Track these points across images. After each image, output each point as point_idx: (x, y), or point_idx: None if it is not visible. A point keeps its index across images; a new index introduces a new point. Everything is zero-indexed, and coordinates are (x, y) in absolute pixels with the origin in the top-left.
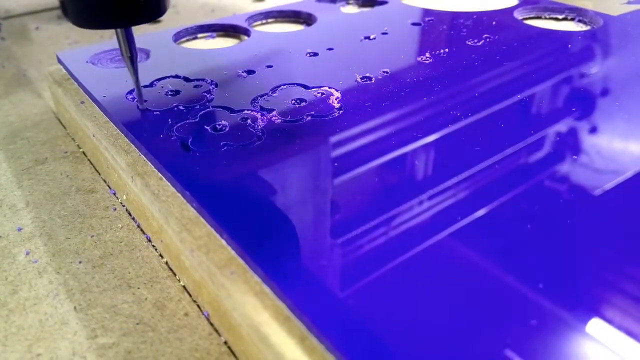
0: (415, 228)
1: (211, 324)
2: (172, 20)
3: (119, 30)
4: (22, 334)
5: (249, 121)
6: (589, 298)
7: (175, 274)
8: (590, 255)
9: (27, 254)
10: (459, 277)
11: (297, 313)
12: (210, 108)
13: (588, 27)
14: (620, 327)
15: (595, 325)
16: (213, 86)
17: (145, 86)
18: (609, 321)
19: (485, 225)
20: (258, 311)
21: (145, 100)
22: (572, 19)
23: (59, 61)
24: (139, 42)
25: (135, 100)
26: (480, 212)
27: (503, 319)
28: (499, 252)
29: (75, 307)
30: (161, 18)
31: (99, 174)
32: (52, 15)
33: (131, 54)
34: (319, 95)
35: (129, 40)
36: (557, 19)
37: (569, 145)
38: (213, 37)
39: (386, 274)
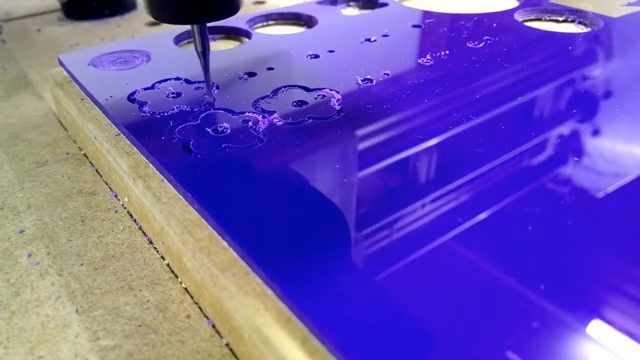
0: (417, 230)
1: (213, 326)
2: None
3: (194, 26)
4: (24, 336)
5: (250, 123)
6: (591, 300)
7: (177, 276)
8: (593, 258)
9: (29, 256)
10: (461, 278)
11: (299, 315)
12: (212, 110)
13: (588, 29)
14: (622, 329)
15: (597, 327)
16: (214, 88)
17: (146, 88)
18: (611, 323)
19: (487, 227)
20: (260, 313)
21: (214, 89)
22: (573, 21)
23: (60, 63)
24: (140, 44)
25: (204, 93)
26: (483, 215)
27: (505, 320)
28: (501, 254)
29: (77, 310)
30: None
31: (101, 176)
32: (54, 17)
33: (203, 48)
34: (320, 97)
35: (203, 35)
36: (557, 21)
37: (570, 147)
38: (214, 40)
39: (387, 276)
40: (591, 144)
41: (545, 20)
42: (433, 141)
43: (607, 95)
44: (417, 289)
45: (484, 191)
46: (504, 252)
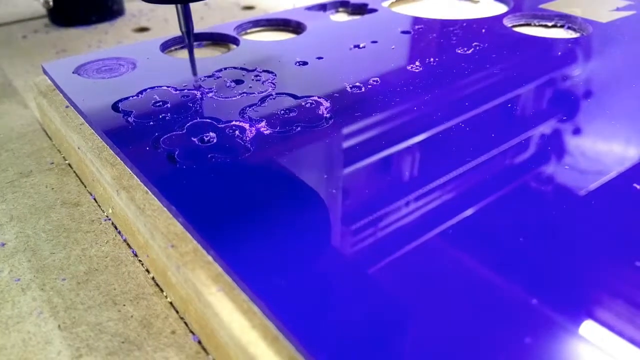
0: (406, 242)
1: (199, 342)
2: (160, 30)
3: (178, 6)
4: (4, 354)
5: (237, 132)
6: (580, 302)
7: (162, 290)
8: (583, 259)
9: (11, 270)
10: (452, 288)
11: (285, 333)
12: (198, 119)
13: (577, 34)
14: (613, 330)
15: (589, 329)
16: (201, 96)
17: (131, 97)
18: (601, 323)
19: (477, 232)
20: (245, 331)
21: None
22: (562, 26)
23: (44, 72)
24: (125, 52)
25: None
26: (473, 219)
27: (495, 326)
28: (489, 259)
29: (59, 326)
30: (150, 26)
31: (85, 186)
32: (40, 23)
33: (187, 29)
34: (309, 105)
35: (186, 16)
36: (546, 26)
37: (562, 151)
38: (201, 46)
39: (377, 293)
40: (584, 148)
41: (535, 25)
42: (422, 148)
43: (597, 99)
44: (406, 306)
45: (475, 197)
46: (493, 256)
